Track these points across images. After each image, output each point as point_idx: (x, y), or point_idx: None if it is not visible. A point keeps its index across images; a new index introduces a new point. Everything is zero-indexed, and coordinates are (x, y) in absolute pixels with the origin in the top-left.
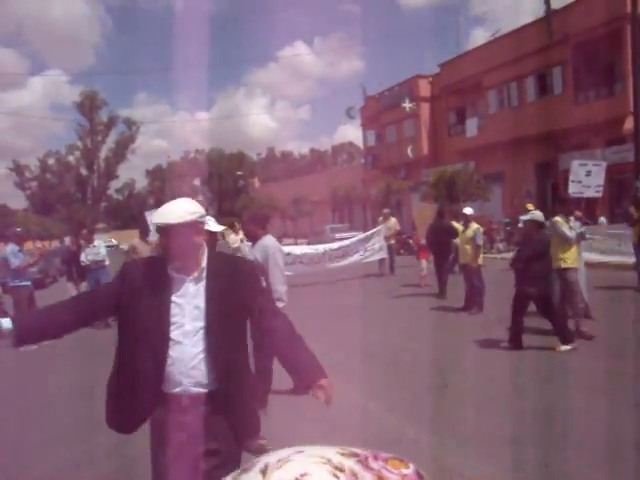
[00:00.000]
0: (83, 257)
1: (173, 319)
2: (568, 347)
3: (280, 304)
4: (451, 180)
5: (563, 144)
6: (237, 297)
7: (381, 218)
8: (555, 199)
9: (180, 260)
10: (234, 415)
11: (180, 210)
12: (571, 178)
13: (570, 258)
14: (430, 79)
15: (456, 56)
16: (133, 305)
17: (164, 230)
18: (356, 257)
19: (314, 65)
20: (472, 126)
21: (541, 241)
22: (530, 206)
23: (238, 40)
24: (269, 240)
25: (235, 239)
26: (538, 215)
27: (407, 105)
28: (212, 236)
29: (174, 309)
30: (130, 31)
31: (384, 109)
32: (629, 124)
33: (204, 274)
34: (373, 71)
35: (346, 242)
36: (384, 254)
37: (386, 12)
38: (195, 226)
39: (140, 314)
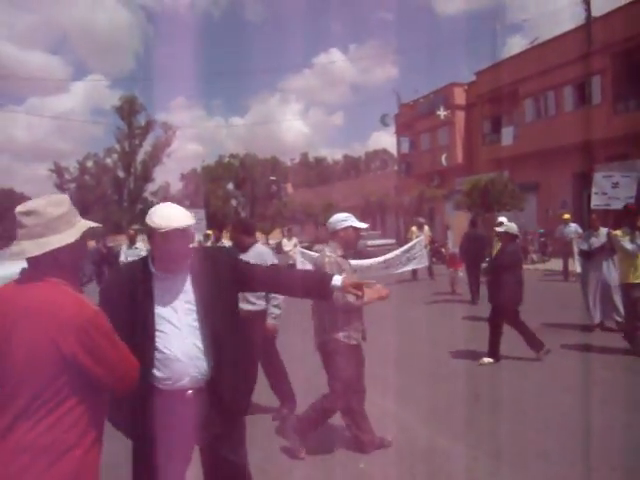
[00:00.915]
0: (123, 257)
1: (166, 316)
2: (491, 360)
3: (277, 311)
4: (485, 189)
5: (601, 155)
6: (224, 283)
7: (414, 227)
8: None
9: (181, 261)
10: (230, 399)
11: (184, 214)
12: (594, 190)
13: (635, 273)
14: (466, 87)
15: (492, 64)
16: (122, 308)
17: (166, 233)
18: (400, 268)
19: (348, 72)
20: (508, 135)
21: (513, 253)
22: (567, 216)
23: (274, 47)
24: (262, 247)
25: (288, 244)
26: (512, 227)
27: (442, 113)
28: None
29: (165, 307)
30: (169, 38)
31: (418, 116)
32: None
33: (188, 270)
34: (408, 79)
35: (391, 255)
36: (426, 262)
37: (422, 20)
38: (191, 228)
39: (129, 316)
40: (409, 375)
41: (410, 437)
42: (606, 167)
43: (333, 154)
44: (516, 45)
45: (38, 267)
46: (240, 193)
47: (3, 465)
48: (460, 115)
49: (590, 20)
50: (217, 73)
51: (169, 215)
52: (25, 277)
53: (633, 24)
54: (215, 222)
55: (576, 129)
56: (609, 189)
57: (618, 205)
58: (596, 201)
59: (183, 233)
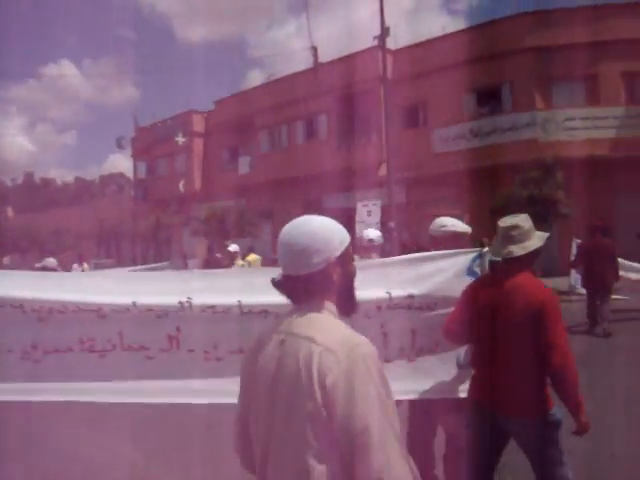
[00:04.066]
0: None
1: None
2: None
3: None
4: (222, 216)
5: (328, 185)
6: None
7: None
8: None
9: None
10: None
11: None
12: (357, 219)
13: None
14: (205, 115)
15: (232, 94)
16: None
17: None
18: None
19: (83, 88)
20: (244, 164)
21: None
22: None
23: None
24: None
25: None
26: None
27: (180, 139)
28: None
29: None
30: None
31: (156, 141)
32: (384, 170)
33: None
34: (146, 102)
35: None
36: None
37: (162, 43)
38: None
39: None
40: None
41: None
42: (331, 197)
43: (63, 176)
44: (255, 78)
45: (517, 263)
46: None
47: None
48: (199, 142)
49: (317, 65)
50: None
51: None
52: (505, 269)
53: (353, 73)
54: None
55: (306, 161)
56: (365, 217)
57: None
58: (358, 229)
59: None
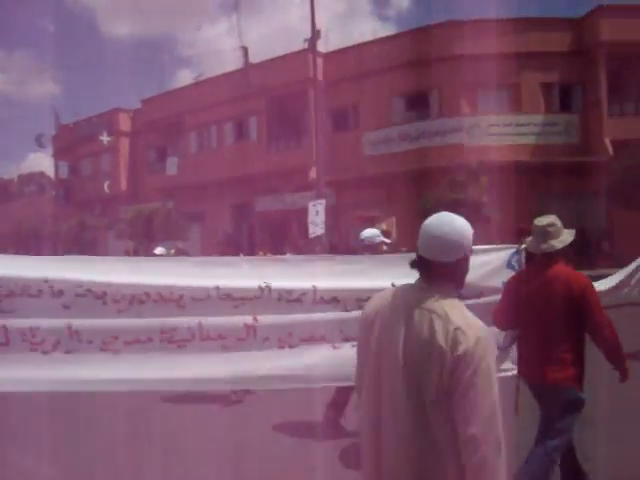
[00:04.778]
0: None
1: None
2: None
3: None
4: (149, 218)
5: (259, 188)
6: None
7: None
8: (251, 239)
9: None
10: None
11: None
12: (309, 220)
13: None
14: (131, 114)
15: (158, 94)
16: None
17: None
18: None
19: None
20: (172, 165)
21: None
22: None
23: None
24: None
25: None
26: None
27: (105, 138)
28: None
29: None
30: None
31: (80, 140)
32: (314, 173)
33: None
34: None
35: None
36: None
37: (86, 37)
38: None
39: None
40: None
41: None
42: (262, 199)
43: None
44: (184, 77)
45: (554, 255)
46: None
47: None
48: (125, 142)
49: (248, 65)
50: None
51: None
52: (541, 263)
53: (284, 74)
54: None
55: (236, 163)
56: (314, 216)
57: (319, 231)
58: (310, 230)
59: None
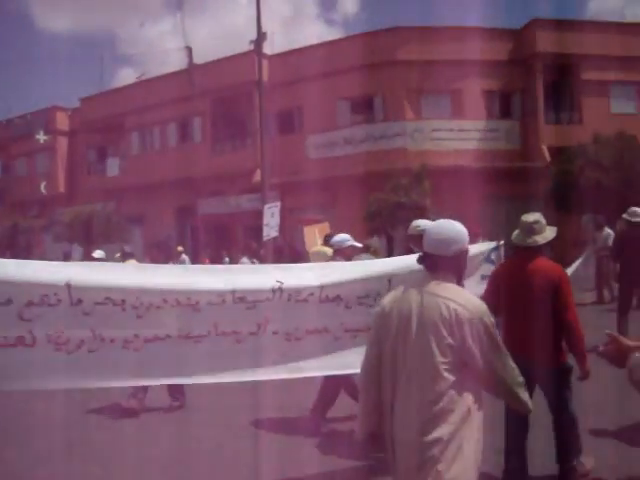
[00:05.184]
0: None
1: None
2: None
3: None
4: (88, 220)
5: (203, 190)
6: None
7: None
8: (195, 242)
9: None
10: None
11: None
12: (264, 222)
13: None
14: (70, 112)
15: (99, 93)
16: None
17: None
18: None
19: None
20: (113, 166)
21: None
22: (180, 248)
23: None
24: None
25: None
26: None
27: (42, 137)
28: None
29: None
30: None
31: (13, 138)
32: (258, 176)
33: None
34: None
35: None
36: None
37: (20, 31)
38: None
39: None
40: None
41: None
42: (206, 202)
43: None
44: (126, 76)
45: (536, 249)
46: None
47: None
48: (63, 141)
49: (192, 65)
50: None
51: None
52: (525, 255)
53: (228, 75)
54: None
55: (179, 165)
56: (270, 218)
57: (274, 233)
58: (265, 232)
59: None
